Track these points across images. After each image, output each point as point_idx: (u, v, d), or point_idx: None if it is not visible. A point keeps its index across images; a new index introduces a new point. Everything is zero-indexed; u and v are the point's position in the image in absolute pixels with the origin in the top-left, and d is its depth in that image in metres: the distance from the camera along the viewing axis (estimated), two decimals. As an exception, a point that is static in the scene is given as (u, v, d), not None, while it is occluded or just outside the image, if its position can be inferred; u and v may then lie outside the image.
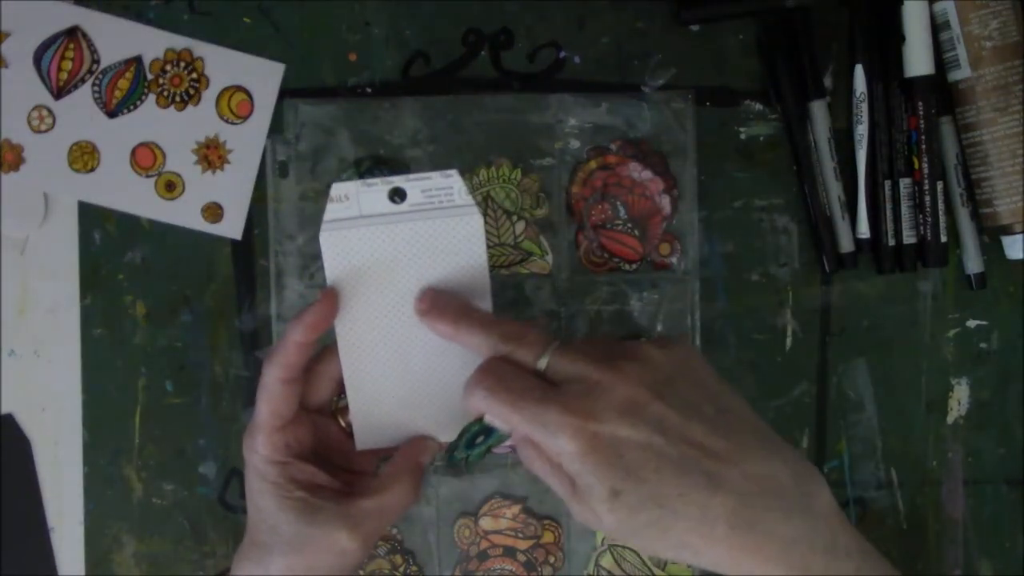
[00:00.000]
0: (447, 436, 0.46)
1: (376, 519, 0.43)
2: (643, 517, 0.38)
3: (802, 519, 0.39)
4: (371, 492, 0.44)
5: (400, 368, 0.45)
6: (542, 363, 0.40)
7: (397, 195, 0.43)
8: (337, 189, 0.43)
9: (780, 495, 0.39)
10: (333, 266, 0.43)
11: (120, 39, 0.55)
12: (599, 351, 0.40)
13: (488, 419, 0.41)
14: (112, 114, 0.55)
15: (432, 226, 0.43)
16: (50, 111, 0.55)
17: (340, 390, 0.46)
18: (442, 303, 0.43)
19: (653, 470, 0.38)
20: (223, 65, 0.55)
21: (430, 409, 0.46)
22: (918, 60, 0.54)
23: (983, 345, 0.57)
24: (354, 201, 0.43)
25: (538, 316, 0.55)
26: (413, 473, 0.45)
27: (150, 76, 0.55)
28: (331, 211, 0.43)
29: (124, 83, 0.55)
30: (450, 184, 0.43)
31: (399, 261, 0.44)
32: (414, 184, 0.43)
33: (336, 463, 0.46)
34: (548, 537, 0.57)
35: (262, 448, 0.43)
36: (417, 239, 0.44)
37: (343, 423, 0.47)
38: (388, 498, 0.44)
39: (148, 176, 0.55)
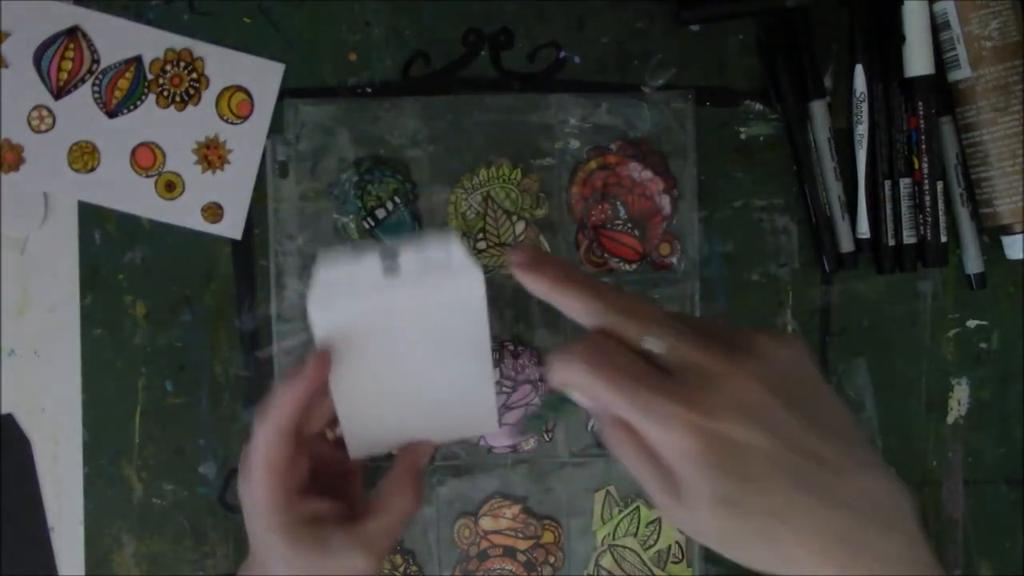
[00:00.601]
0: (441, 439, 0.47)
1: (386, 535, 0.44)
2: (751, 525, 0.35)
3: (897, 536, 0.37)
4: (376, 511, 0.44)
5: (398, 422, 0.45)
6: (650, 343, 0.36)
7: (390, 261, 0.41)
8: (326, 258, 0.41)
9: (880, 510, 0.37)
10: (324, 336, 0.41)
11: (120, 39, 0.55)
12: (714, 337, 0.36)
13: (577, 396, 0.37)
14: (112, 114, 0.55)
15: (428, 293, 0.41)
16: (50, 111, 0.55)
17: (332, 421, 0.46)
18: (541, 259, 0.38)
19: (770, 478, 0.35)
20: (223, 65, 0.55)
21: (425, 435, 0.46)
22: (918, 60, 0.54)
23: (983, 345, 0.57)
24: (344, 269, 0.41)
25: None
26: (415, 479, 0.45)
27: (150, 76, 0.55)
28: (320, 281, 0.41)
29: (124, 83, 0.55)
30: (447, 247, 0.41)
31: (393, 329, 0.42)
32: (408, 250, 0.41)
33: (332, 483, 0.46)
34: (548, 537, 0.57)
35: (261, 496, 0.42)
36: (413, 307, 0.41)
37: (331, 436, 0.47)
38: (394, 513, 0.44)
39: (148, 176, 0.55)
